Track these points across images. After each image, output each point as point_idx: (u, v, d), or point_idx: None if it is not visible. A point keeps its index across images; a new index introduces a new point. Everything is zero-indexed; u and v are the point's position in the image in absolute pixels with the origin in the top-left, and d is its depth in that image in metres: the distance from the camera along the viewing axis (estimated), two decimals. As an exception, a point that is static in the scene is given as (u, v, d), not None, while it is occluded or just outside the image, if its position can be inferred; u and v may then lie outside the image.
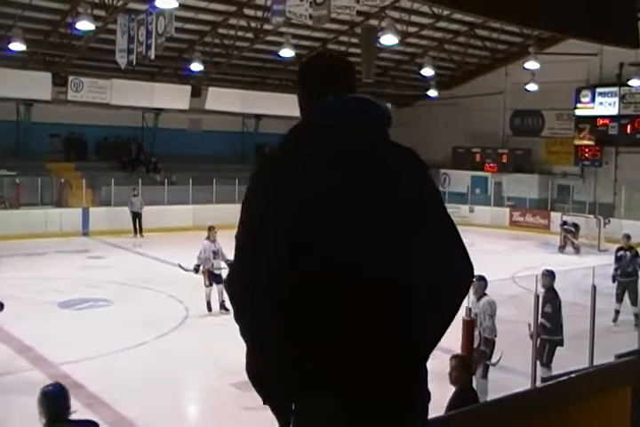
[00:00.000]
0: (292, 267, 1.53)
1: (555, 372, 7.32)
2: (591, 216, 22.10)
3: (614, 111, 24.03)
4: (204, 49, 22.15)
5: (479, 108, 27.29)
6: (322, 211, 1.56)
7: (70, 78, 22.11)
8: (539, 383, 6.92)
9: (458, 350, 7.18)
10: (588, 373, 3.03)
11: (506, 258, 18.72)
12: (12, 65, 20.93)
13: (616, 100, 23.95)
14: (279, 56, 20.78)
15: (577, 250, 20.39)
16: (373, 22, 20.33)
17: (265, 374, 1.63)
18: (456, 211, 23.64)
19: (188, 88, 24.43)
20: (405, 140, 1.77)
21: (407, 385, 1.61)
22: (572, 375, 2.61)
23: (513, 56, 26.07)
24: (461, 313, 7.51)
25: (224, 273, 12.26)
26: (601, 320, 8.94)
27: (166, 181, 24.10)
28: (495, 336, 8.11)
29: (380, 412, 1.56)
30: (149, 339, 10.53)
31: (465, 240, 1.71)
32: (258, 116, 27.94)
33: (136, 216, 21.79)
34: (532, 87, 24.08)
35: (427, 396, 1.67)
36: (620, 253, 12.39)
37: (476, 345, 7.96)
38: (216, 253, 12.39)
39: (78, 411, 4.42)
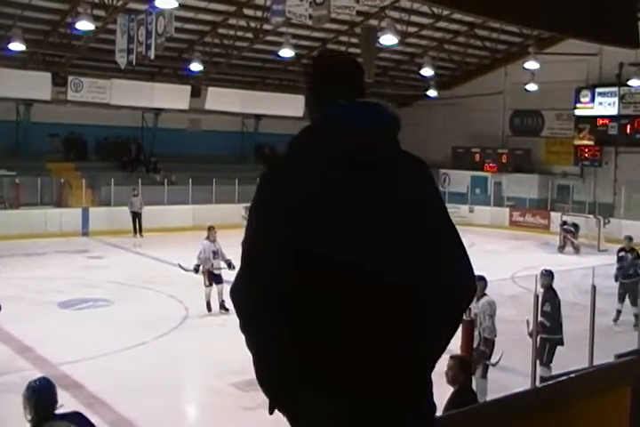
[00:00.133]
0: (297, 271, 1.53)
1: (555, 372, 7.31)
2: (591, 216, 22.11)
3: (614, 111, 24.03)
4: (204, 49, 22.16)
5: (479, 108, 27.29)
6: (324, 214, 1.56)
7: (70, 78, 22.12)
8: (539, 383, 6.92)
9: (457, 350, 7.17)
10: (588, 373, 3.03)
11: (506, 258, 18.73)
12: (12, 65, 20.92)
13: (616, 100, 23.95)
14: (279, 56, 20.80)
15: (577, 250, 20.40)
16: (373, 22, 20.34)
17: (277, 381, 1.61)
18: (456, 211, 23.63)
19: (188, 88, 24.44)
20: (405, 141, 1.77)
21: (408, 386, 1.60)
22: (572, 375, 2.61)
23: (513, 56, 26.08)
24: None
25: (224, 273, 12.28)
26: (601, 320, 8.94)
27: (166, 181, 24.10)
28: (495, 336, 8.12)
29: (380, 412, 1.56)
30: (149, 339, 10.53)
31: (465, 240, 1.71)
32: (257, 116, 27.95)
33: (136, 216, 21.80)
34: (531, 87, 24.09)
35: (431, 400, 1.66)
36: (622, 253, 12.56)
37: (475, 345, 7.96)
38: (216, 253, 12.39)
39: (78, 411, 4.40)
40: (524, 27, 12.18)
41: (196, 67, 21.40)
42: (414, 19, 21.26)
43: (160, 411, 7.72)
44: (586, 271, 11.37)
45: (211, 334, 10.81)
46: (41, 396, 4.13)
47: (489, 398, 6.51)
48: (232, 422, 7.60)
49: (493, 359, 8.07)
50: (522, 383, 7.08)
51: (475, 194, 27.44)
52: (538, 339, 8.28)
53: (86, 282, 14.71)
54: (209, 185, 23.86)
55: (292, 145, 1.67)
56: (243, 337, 1.64)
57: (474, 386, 6.63)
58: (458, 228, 1.71)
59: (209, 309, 12.19)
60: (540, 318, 8.30)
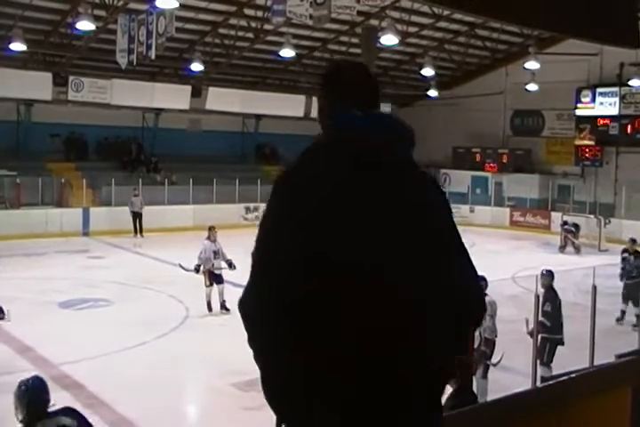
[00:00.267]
0: (310, 279, 1.51)
1: (555, 372, 7.32)
2: (591, 216, 22.11)
3: (615, 111, 24.02)
4: (205, 49, 22.17)
5: (479, 108, 27.29)
6: (337, 216, 1.54)
7: (71, 78, 22.11)
8: (539, 383, 6.92)
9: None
10: (589, 373, 3.03)
11: (506, 258, 18.73)
12: (13, 65, 20.93)
13: (616, 100, 23.95)
14: (279, 56, 20.79)
15: (577, 250, 20.40)
16: (374, 22, 20.32)
17: (286, 395, 1.58)
18: (456, 211, 23.09)
19: (189, 88, 24.43)
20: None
21: (418, 399, 1.58)
22: (573, 375, 2.61)
23: (513, 56, 26.08)
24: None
25: (225, 273, 12.29)
26: (601, 320, 8.94)
27: (166, 181, 24.10)
28: (495, 336, 8.12)
29: (388, 424, 1.54)
30: (149, 339, 10.52)
31: (465, 240, 1.71)
32: (258, 116, 27.93)
33: (136, 216, 21.79)
34: (532, 87, 24.08)
35: (439, 413, 1.65)
36: (625, 255, 12.67)
37: (476, 345, 7.96)
38: (216, 253, 12.39)
39: (69, 406, 4.34)
40: (525, 27, 12.18)
41: (196, 67, 21.40)
42: (415, 19, 21.26)
43: (160, 411, 7.71)
44: (586, 271, 11.39)
45: (211, 334, 10.82)
46: (33, 395, 4.04)
47: (489, 398, 6.50)
48: (232, 423, 7.59)
49: (494, 360, 8.07)
50: (522, 383, 7.08)
51: (475, 194, 27.44)
52: (538, 339, 8.28)
53: (87, 282, 14.70)
54: (209, 185, 23.85)
55: (303, 154, 1.67)
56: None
57: (474, 386, 6.63)
58: (458, 228, 1.71)
59: (209, 309, 12.20)
60: (540, 318, 8.30)
